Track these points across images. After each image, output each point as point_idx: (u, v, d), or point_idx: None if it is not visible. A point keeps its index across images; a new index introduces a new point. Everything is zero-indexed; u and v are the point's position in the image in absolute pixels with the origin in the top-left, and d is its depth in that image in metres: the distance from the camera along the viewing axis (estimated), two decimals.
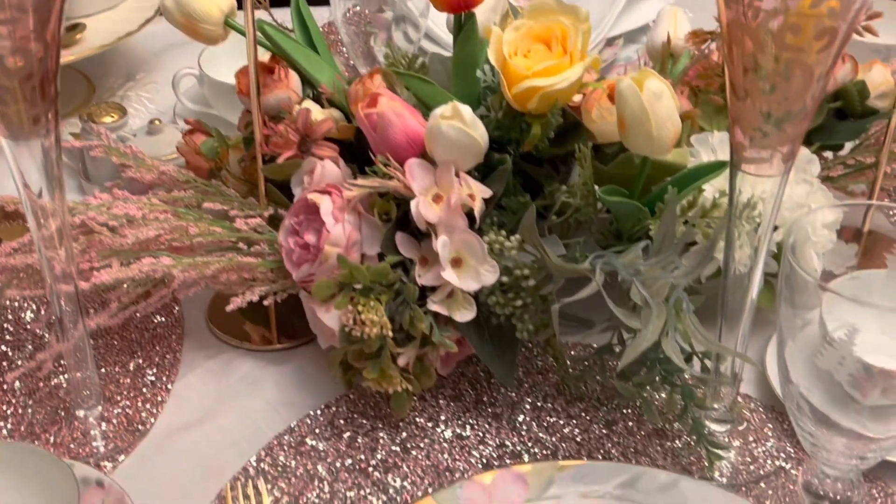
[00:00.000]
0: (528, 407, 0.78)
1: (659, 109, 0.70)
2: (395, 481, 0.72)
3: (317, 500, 0.71)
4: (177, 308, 0.87)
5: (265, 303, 0.79)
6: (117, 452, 0.74)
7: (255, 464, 0.73)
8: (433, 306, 0.73)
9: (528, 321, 0.73)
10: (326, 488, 0.72)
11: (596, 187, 0.76)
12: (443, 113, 0.73)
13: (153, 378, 0.80)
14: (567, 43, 0.74)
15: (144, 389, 0.79)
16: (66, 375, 0.79)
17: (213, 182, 0.84)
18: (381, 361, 0.72)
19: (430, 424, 0.77)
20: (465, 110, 0.72)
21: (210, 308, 0.87)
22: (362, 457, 0.74)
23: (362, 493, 0.71)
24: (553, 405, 0.78)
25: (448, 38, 1.20)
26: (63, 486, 0.62)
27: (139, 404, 0.78)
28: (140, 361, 0.81)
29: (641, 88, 0.70)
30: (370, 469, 0.73)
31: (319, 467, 0.73)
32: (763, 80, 0.60)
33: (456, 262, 0.73)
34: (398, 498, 0.71)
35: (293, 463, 0.73)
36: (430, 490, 0.72)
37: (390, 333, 0.71)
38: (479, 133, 0.73)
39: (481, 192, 0.74)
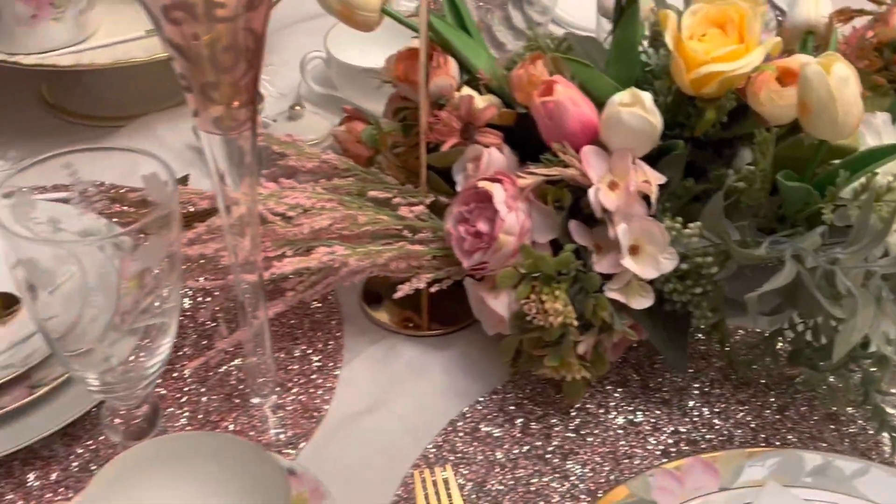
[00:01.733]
0: (696, 392, 0.78)
1: (846, 95, 0.69)
2: (575, 468, 0.73)
3: (501, 487, 0.71)
4: (331, 293, 0.87)
5: (432, 290, 0.79)
6: (297, 440, 0.75)
7: (433, 450, 0.74)
8: (611, 294, 0.73)
9: (706, 308, 0.73)
10: (508, 475, 0.72)
11: None
12: (622, 100, 0.72)
13: (319, 364, 0.81)
14: (744, 27, 0.73)
15: (314, 376, 0.80)
16: (235, 363, 0.80)
17: (371, 169, 0.84)
18: (563, 349, 0.72)
19: (600, 411, 0.77)
20: (646, 97, 0.72)
21: (364, 293, 0.87)
22: (539, 443, 0.75)
23: (545, 479, 0.72)
24: (721, 390, 0.78)
25: (571, 19, 1.19)
26: (272, 479, 0.62)
27: (311, 391, 0.78)
28: (304, 348, 0.82)
29: (828, 73, 0.69)
30: (548, 456, 0.74)
31: (498, 454, 0.74)
32: None
33: (633, 250, 0.73)
34: (581, 485, 0.72)
35: (471, 449, 0.74)
36: (611, 477, 0.72)
37: (574, 322, 0.71)
38: (658, 119, 0.73)
39: (656, 178, 0.74)
